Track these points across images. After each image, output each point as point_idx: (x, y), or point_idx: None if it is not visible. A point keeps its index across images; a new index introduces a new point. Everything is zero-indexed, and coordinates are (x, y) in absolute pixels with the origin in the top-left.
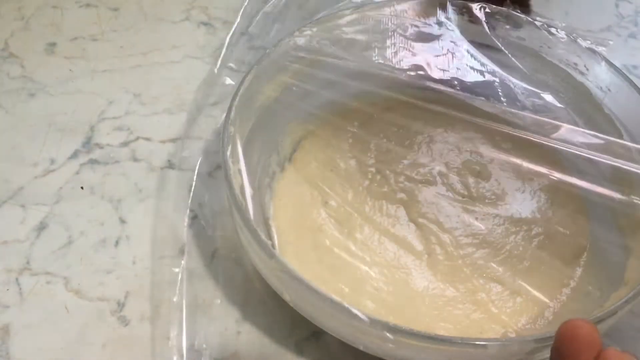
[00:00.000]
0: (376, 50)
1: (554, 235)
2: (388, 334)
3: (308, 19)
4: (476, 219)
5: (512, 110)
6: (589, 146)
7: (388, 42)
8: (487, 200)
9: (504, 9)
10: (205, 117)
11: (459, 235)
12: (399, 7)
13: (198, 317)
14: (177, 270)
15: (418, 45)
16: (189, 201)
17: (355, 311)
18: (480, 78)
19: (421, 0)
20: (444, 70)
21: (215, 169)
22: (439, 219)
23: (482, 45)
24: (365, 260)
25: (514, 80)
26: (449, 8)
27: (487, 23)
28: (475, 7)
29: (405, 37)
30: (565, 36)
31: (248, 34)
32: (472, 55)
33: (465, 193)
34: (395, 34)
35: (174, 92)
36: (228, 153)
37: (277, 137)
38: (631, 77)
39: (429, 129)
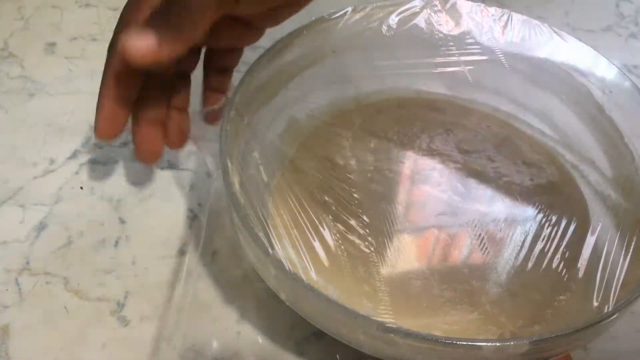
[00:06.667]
0: (376, 49)
1: (554, 236)
2: (385, 335)
3: (308, 19)
4: (476, 219)
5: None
6: (590, 146)
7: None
8: (487, 201)
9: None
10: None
11: (459, 235)
12: (399, 8)
13: (198, 317)
14: (177, 270)
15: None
16: (189, 201)
17: (352, 311)
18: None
19: None
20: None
21: (215, 169)
22: (439, 219)
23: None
24: (364, 261)
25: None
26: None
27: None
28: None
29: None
30: (565, 36)
31: None
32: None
33: (466, 193)
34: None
35: None
36: (227, 153)
37: (276, 137)
38: (631, 77)
39: (430, 129)
